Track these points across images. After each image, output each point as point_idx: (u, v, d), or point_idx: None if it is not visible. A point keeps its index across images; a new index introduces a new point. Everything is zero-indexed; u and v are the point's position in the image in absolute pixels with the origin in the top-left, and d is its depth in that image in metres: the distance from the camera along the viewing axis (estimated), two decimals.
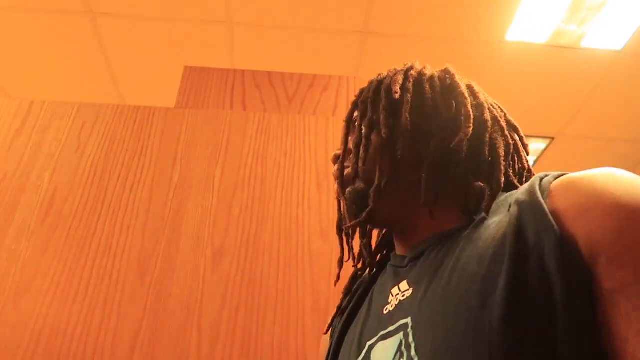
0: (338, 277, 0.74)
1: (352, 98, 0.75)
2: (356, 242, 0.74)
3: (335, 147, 1.42)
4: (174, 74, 2.71)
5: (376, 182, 0.64)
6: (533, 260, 0.45)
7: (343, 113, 0.74)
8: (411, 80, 0.67)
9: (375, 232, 0.76)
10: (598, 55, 2.67)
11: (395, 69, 0.72)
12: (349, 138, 0.70)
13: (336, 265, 0.76)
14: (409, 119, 0.64)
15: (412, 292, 0.57)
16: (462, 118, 0.62)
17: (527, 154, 0.69)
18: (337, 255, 0.76)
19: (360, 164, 0.66)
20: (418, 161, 0.63)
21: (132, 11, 2.45)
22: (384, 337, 0.57)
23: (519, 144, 0.67)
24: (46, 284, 1.17)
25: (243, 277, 1.21)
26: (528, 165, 0.67)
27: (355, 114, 0.72)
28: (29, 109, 1.44)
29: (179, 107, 1.56)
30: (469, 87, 0.68)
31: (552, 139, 3.26)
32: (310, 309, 1.17)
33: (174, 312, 1.16)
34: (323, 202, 1.33)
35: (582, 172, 0.50)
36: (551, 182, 0.51)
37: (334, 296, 1.18)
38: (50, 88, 2.91)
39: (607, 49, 2.63)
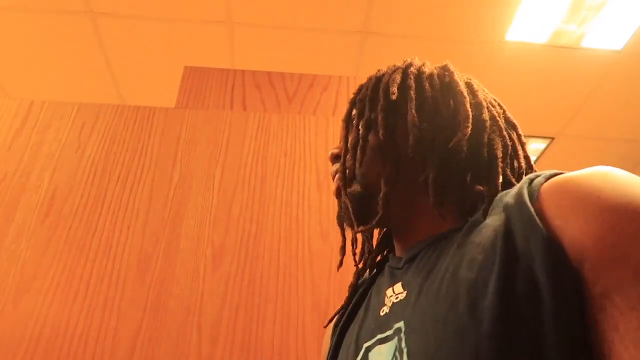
0: (340, 263, 0.73)
1: None
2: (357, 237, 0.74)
3: (335, 147, 1.41)
4: (174, 74, 2.72)
5: (383, 189, 0.63)
6: (521, 266, 0.44)
7: (343, 113, 0.74)
8: (412, 77, 0.67)
9: (375, 231, 0.75)
10: (598, 55, 2.67)
11: (394, 66, 0.71)
12: (349, 138, 0.69)
13: (336, 265, 0.75)
14: (416, 116, 0.63)
15: (406, 295, 0.57)
16: (461, 118, 0.62)
17: (525, 152, 0.68)
18: (337, 255, 0.76)
19: (357, 165, 0.66)
20: (421, 161, 0.63)
21: (132, 11, 2.45)
22: (381, 341, 0.56)
23: (517, 142, 0.66)
24: (46, 284, 1.17)
25: (243, 277, 1.21)
26: (526, 163, 0.66)
27: (354, 112, 0.71)
28: (29, 109, 1.44)
29: (179, 107, 1.56)
30: (468, 85, 0.67)
31: (552, 139, 3.26)
32: (310, 309, 1.17)
33: (174, 312, 1.15)
34: (323, 202, 1.33)
35: (574, 172, 0.49)
36: (542, 184, 0.50)
37: (334, 296, 1.18)
38: (50, 88, 2.91)
39: (607, 49, 2.63)
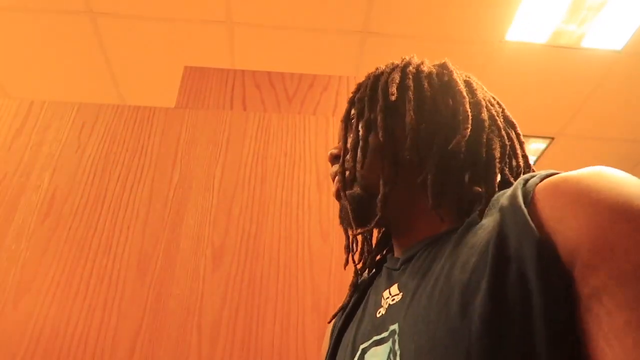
0: (347, 262, 0.72)
1: None
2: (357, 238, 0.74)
3: (334, 147, 1.41)
4: (174, 74, 2.72)
5: (381, 190, 0.63)
6: (514, 268, 0.44)
7: (343, 113, 0.73)
8: (410, 77, 0.66)
9: (374, 230, 0.75)
10: (598, 55, 2.67)
11: (392, 64, 0.70)
12: (348, 138, 0.69)
13: (336, 265, 0.75)
14: (414, 118, 0.62)
15: (401, 297, 0.57)
16: (460, 119, 0.61)
17: (524, 152, 0.68)
18: (337, 255, 0.76)
19: (358, 167, 0.65)
20: (419, 162, 0.62)
21: (132, 11, 2.45)
22: (377, 343, 0.56)
23: (516, 141, 0.66)
24: (46, 284, 1.17)
25: (243, 277, 1.21)
26: (525, 163, 0.66)
27: (352, 111, 0.70)
28: (29, 109, 1.44)
29: (179, 107, 1.56)
30: (467, 83, 0.67)
31: (552, 139, 3.26)
32: (310, 309, 1.17)
33: (174, 312, 1.16)
34: (323, 202, 1.33)
35: (569, 172, 0.48)
36: (536, 184, 0.49)
37: (334, 296, 1.18)
38: (50, 88, 2.91)
39: (607, 49, 2.63)
